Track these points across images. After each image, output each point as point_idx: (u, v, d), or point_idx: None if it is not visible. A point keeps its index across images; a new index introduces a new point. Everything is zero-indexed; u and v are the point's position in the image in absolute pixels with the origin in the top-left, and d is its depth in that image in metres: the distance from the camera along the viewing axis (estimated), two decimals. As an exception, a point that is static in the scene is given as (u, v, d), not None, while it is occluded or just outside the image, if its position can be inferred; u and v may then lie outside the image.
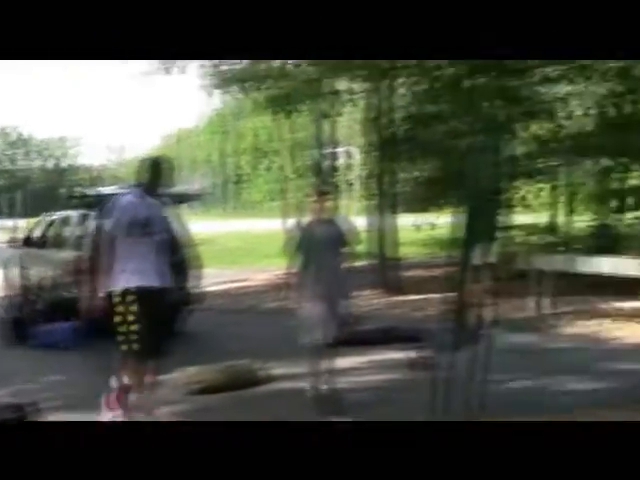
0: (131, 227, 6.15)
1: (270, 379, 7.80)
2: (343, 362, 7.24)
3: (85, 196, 11.93)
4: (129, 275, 6.10)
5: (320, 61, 14.30)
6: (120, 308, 6.07)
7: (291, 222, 13.26)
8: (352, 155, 31.79)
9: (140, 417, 6.08)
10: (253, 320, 12.24)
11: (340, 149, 25.98)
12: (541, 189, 19.64)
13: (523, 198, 17.13)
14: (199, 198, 28.26)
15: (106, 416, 6.17)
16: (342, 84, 16.58)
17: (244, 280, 17.07)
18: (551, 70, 13.23)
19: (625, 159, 14.44)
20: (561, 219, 18.73)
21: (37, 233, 12.89)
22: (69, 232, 11.52)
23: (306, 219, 7.42)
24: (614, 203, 16.26)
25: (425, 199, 16.81)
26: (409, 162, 15.87)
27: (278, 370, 7.99)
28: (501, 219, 13.86)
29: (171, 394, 6.98)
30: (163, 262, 6.28)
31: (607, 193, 16.10)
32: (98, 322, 6.31)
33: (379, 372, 8.24)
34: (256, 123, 56.85)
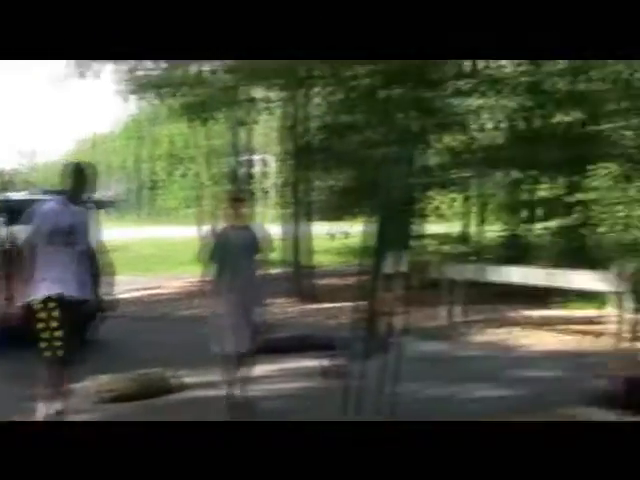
0: (53, 235, 6.00)
1: (182, 387, 7.74)
2: (257, 370, 7.24)
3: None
4: (50, 284, 5.96)
5: (236, 68, 14.33)
6: (42, 314, 5.93)
7: (206, 229, 13.17)
8: (268, 163, 31.76)
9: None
10: (166, 328, 12.08)
11: (256, 157, 25.87)
12: (454, 199, 19.95)
13: (436, 208, 17.40)
14: (113, 204, 27.86)
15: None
16: (258, 92, 16.57)
17: (158, 287, 16.90)
18: (463, 83, 13.52)
19: (534, 171, 14.78)
20: (473, 229, 19.06)
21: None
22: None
23: (221, 226, 7.39)
24: (524, 214, 16.60)
25: (339, 208, 16.93)
26: (324, 171, 16.00)
27: (191, 378, 7.95)
28: (414, 228, 14.20)
29: (82, 403, 6.86)
30: (84, 271, 6.14)
31: (517, 204, 16.44)
32: (15, 330, 6.19)
33: (293, 380, 8.27)
34: (172, 129, 56.11)
